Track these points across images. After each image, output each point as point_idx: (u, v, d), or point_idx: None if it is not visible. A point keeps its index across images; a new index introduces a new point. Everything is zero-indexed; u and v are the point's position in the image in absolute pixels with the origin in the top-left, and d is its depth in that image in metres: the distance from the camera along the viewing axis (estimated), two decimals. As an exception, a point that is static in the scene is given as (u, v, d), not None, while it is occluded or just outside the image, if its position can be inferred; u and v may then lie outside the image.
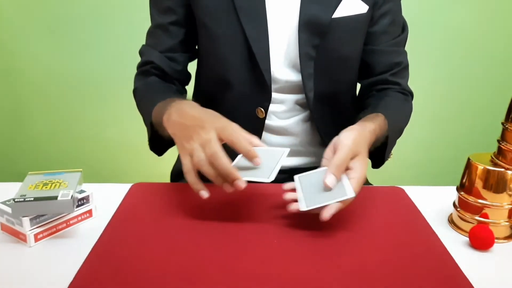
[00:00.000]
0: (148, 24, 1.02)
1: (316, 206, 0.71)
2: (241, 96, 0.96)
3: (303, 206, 0.73)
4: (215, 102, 0.98)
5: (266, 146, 0.78)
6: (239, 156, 0.76)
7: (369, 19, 0.96)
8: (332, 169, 0.73)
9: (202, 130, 0.72)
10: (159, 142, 0.91)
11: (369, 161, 1.03)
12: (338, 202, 0.71)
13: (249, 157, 0.71)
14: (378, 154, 0.94)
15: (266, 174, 0.72)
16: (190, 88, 1.07)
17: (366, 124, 0.82)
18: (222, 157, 0.69)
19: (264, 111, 0.96)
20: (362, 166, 0.75)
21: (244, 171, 0.73)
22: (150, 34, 1.02)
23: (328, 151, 0.78)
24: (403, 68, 1.01)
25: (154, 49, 1.00)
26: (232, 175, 0.69)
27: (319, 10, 0.91)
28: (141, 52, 1.03)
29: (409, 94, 1.03)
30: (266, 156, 0.74)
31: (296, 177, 0.81)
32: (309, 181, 0.77)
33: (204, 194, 0.73)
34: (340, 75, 0.99)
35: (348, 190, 0.72)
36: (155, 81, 0.99)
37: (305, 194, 0.75)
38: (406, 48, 1.03)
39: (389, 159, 0.97)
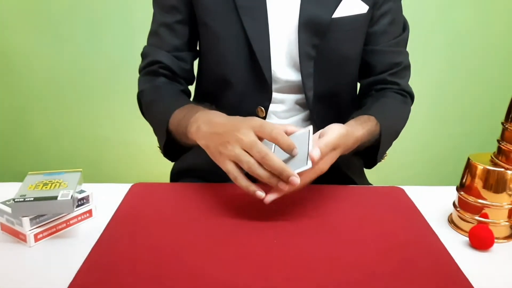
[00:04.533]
0: (147, 23, 1.01)
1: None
2: (241, 95, 0.96)
3: None
4: (216, 101, 0.98)
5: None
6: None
7: (369, 19, 0.96)
8: (321, 145, 0.72)
9: (240, 133, 0.71)
10: (174, 148, 0.92)
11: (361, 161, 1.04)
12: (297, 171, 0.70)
13: (290, 150, 0.71)
14: (371, 155, 0.94)
15: (303, 161, 0.70)
16: (191, 87, 1.07)
17: (355, 130, 0.82)
18: (274, 157, 0.69)
19: (264, 111, 0.96)
20: (327, 160, 0.75)
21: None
22: (153, 33, 1.00)
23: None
24: (402, 68, 1.01)
25: (159, 48, 0.98)
26: (287, 172, 0.69)
27: (319, 10, 0.91)
28: (144, 53, 1.00)
29: (408, 95, 1.02)
30: (296, 143, 0.73)
31: None
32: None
33: (261, 194, 0.72)
34: (340, 75, 0.99)
35: (307, 161, 0.70)
36: (165, 84, 0.97)
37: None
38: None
39: (382, 160, 0.97)
